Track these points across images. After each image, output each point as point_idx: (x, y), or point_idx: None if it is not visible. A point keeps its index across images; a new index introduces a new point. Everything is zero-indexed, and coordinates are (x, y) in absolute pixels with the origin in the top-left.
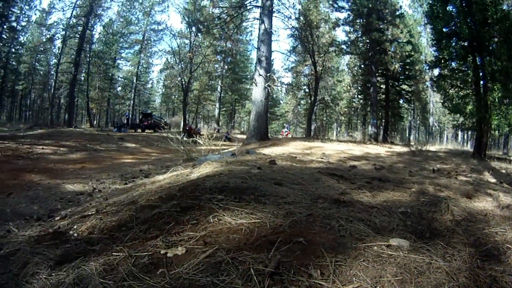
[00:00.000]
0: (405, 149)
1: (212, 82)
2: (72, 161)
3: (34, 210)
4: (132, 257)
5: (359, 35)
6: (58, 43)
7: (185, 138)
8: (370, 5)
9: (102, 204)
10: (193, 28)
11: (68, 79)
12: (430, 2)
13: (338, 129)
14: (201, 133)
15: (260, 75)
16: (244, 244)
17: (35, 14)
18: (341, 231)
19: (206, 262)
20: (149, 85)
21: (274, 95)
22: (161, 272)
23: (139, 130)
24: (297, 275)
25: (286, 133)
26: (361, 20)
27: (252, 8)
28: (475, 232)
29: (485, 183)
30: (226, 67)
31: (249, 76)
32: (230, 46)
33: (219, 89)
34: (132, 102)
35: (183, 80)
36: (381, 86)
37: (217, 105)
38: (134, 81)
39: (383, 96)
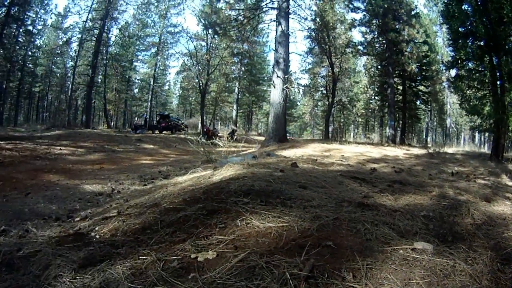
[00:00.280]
0: (422, 151)
1: (229, 84)
2: (90, 162)
3: (53, 210)
4: (160, 261)
5: (375, 36)
6: (74, 46)
7: (203, 140)
8: (386, 5)
9: (123, 206)
10: (210, 31)
11: (85, 81)
12: (446, 1)
13: (355, 130)
14: (218, 134)
15: (278, 77)
16: (275, 248)
17: (51, 18)
18: (367, 234)
19: (240, 267)
20: (166, 87)
21: (291, 97)
22: (193, 276)
23: (157, 132)
24: (331, 278)
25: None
26: (377, 21)
27: (268, 9)
28: (495, 236)
29: (503, 186)
30: (243, 68)
31: (266, 78)
32: (246, 48)
33: (236, 90)
34: (149, 103)
35: (200, 82)
36: (398, 87)
37: (235, 106)
38: (151, 83)
39: (400, 97)
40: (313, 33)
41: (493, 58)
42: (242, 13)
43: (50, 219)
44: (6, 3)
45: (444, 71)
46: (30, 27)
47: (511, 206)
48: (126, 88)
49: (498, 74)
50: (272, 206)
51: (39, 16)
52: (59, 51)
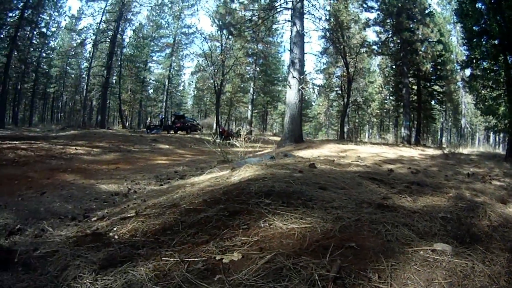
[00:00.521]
0: (437, 152)
1: (244, 84)
2: (105, 162)
3: (69, 210)
4: (184, 263)
5: (390, 35)
6: (88, 47)
7: (218, 140)
8: (400, 4)
9: (141, 206)
10: (224, 31)
11: (100, 82)
12: None
13: (370, 131)
14: (233, 134)
15: (293, 77)
16: (299, 249)
17: (65, 20)
18: (387, 235)
19: (266, 268)
20: (181, 87)
21: (306, 97)
22: (219, 278)
23: (172, 132)
24: (358, 279)
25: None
26: (391, 20)
27: (282, 10)
28: (511, 238)
29: None
30: (258, 69)
31: (281, 78)
32: (261, 48)
33: (251, 91)
34: (164, 104)
35: (215, 82)
36: (413, 87)
37: (250, 107)
38: (166, 83)
39: (415, 97)
40: (327, 33)
41: (508, 57)
42: (256, 14)
43: (66, 218)
44: (19, 6)
45: (458, 70)
46: (44, 29)
47: None
48: (141, 89)
49: None
50: (294, 207)
51: (52, 18)
52: (73, 53)
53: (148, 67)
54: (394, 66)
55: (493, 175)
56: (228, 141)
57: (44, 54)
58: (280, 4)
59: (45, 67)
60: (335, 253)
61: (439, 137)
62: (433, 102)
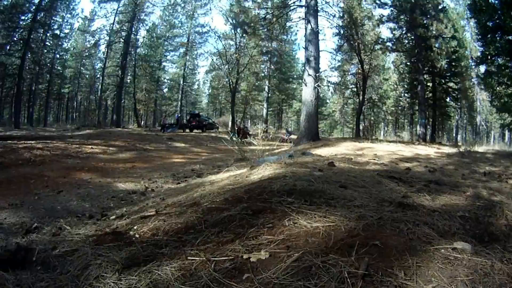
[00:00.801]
0: (453, 150)
1: (259, 82)
2: (122, 161)
3: (86, 208)
4: (211, 262)
5: (404, 32)
6: (102, 48)
7: (234, 138)
8: (413, 0)
9: (160, 205)
10: (238, 30)
11: (114, 82)
12: None
13: (385, 128)
14: (249, 133)
15: (309, 75)
16: (325, 247)
17: (78, 22)
18: (409, 234)
19: (295, 267)
20: (196, 86)
21: (321, 95)
22: (247, 277)
23: (187, 130)
24: (385, 276)
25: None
26: (405, 16)
27: (296, 8)
28: None
29: None
30: (272, 67)
31: (295, 76)
32: (275, 46)
33: (266, 89)
34: (179, 103)
35: (230, 81)
36: (428, 84)
37: (265, 105)
38: (181, 82)
39: (430, 94)
40: (341, 30)
41: None
42: (270, 12)
43: (83, 216)
44: (32, 9)
45: (473, 67)
46: (57, 31)
47: None
48: (155, 88)
49: None
50: (317, 206)
51: (65, 20)
52: (87, 54)
53: (162, 66)
54: (408, 63)
55: (509, 174)
56: (245, 140)
57: (58, 56)
58: (294, 2)
59: (59, 68)
60: (360, 251)
61: (454, 134)
62: (448, 99)
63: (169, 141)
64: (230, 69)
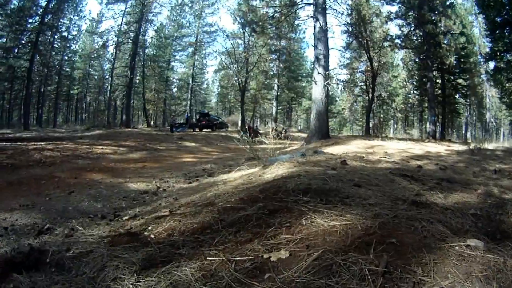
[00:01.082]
0: (463, 147)
1: (269, 81)
2: (132, 161)
3: (98, 209)
4: (231, 262)
5: (412, 28)
6: (111, 49)
7: (244, 137)
8: None
9: (174, 205)
10: (247, 29)
11: (123, 82)
12: None
13: (395, 126)
14: (260, 132)
15: (319, 73)
16: (344, 246)
17: (85, 23)
18: (424, 232)
19: (316, 265)
20: (205, 85)
21: (330, 93)
22: (269, 276)
23: (197, 130)
24: (404, 273)
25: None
26: (413, 12)
27: (304, 6)
28: None
29: None
30: (281, 65)
31: (304, 74)
32: (284, 44)
33: (275, 87)
34: (189, 102)
35: (239, 80)
36: (437, 81)
37: (274, 103)
38: (190, 82)
39: (439, 91)
40: (350, 28)
41: None
42: (279, 10)
43: (96, 217)
44: (39, 12)
45: (482, 63)
46: (65, 33)
47: None
48: (164, 88)
49: None
50: (333, 204)
51: (73, 22)
52: (95, 55)
53: (171, 66)
54: (417, 60)
55: None
56: (257, 139)
57: (66, 57)
58: (302, 0)
59: (67, 69)
60: (377, 249)
61: (463, 132)
62: (457, 96)
63: (179, 141)
64: (239, 68)
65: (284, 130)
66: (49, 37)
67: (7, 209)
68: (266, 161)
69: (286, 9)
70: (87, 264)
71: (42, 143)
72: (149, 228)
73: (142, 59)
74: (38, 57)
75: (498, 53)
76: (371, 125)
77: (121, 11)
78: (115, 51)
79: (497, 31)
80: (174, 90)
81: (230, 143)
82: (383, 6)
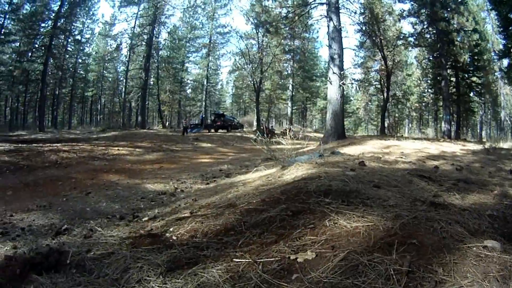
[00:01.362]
0: (478, 146)
1: (283, 81)
2: (149, 162)
3: (116, 209)
4: (258, 263)
5: (426, 26)
6: (124, 51)
7: (259, 138)
8: None
9: (193, 206)
10: (260, 29)
11: (137, 84)
12: None
13: (410, 125)
14: (275, 132)
15: (334, 73)
16: (367, 246)
17: (98, 27)
18: (442, 232)
19: (343, 266)
20: (219, 86)
21: (345, 92)
22: (297, 277)
23: (212, 130)
24: (426, 272)
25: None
26: (426, 10)
27: (317, 5)
28: None
29: None
30: (295, 65)
31: (318, 74)
32: (298, 44)
33: (290, 87)
34: (204, 103)
35: (254, 80)
36: (451, 79)
37: (289, 103)
38: (205, 83)
39: (454, 89)
40: (363, 27)
41: None
42: (292, 10)
43: (114, 218)
44: (52, 16)
45: (496, 60)
46: (78, 37)
47: None
48: (179, 89)
49: None
50: (354, 206)
51: (86, 25)
52: (109, 57)
53: (185, 67)
54: (431, 58)
55: None
56: (274, 139)
57: (80, 60)
58: (315, 0)
59: (81, 72)
60: (399, 249)
61: (478, 130)
62: (471, 94)
63: (195, 142)
64: (254, 68)
65: (289, 128)
66: (62, 40)
67: (24, 210)
68: (284, 161)
69: (299, 9)
70: (109, 266)
71: (58, 145)
72: (171, 229)
73: (156, 60)
74: (52, 60)
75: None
76: (386, 124)
77: (134, 14)
78: (129, 53)
79: (510, 28)
80: (189, 91)
81: (246, 144)
82: (395, 4)
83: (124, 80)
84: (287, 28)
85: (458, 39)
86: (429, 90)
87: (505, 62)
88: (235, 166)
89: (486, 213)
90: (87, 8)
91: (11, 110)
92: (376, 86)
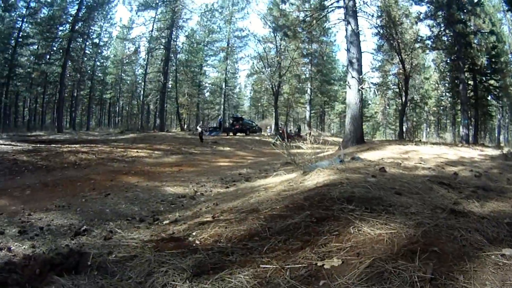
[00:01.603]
0: (496, 152)
1: (301, 84)
2: (168, 164)
3: (135, 211)
4: (285, 269)
5: (443, 29)
6: (142, 54)
7: (278, 142)
8: None
9: (215, 210)
10: (278, 33)
11: (156, 87)
12: None
13: (427, 129)
14: (293, 136)
15: (352, 77)
16: (391, 254)
17: (116, 30)
18: (462, 241)
19: (368, 272)
20: (237, 90)
21: (363, 96)
22: (324, 283)
23: (231, 134)
24: (448, 280)
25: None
26: (442, 12)
27: (334, 9)
28: None
29: None
30: (313, 69)
31: (336, 78)
32: (315, 48)
33: (308, 91)
34: (222, 106)
35: (273, 84)
36: (469, 82)
37: (308, 107)
38: (223, 86)
39: (471, 93)
40: (381, 30)
41: None
42: (309, 14)
43: (134, 220)
44: (69, 20)
45: None
46: (96, 40)
47: None
48: (197, 92)
49: None
50: (377, 213)
51: (104, 29)
52: (127, 60)
53: (203, 71)
54: (449, 61)
55: None
56: (294, 144)
57: (98, 63)
58: (332, 3)
59: (100, 74)
60: (422, 257)
61: (496, 135)
62: (489, 98)
63: (214, 145)
64: (272, 72)
65: (309, 133)
66: (80, 43)
67: (42, 209)
68: (304, 167)
69: (316, 12)
70: (133, 269)
71: (77, 146)
72: (193, 233)
73: (174, 64)
74: (70, 63)
75: None
76: (404, 129)
77: (152, 18)
78: (147, 56)
79: None
80: (207, 94)
81: (264, 148)
82: (412, 6)
83: (143, 83)
84: (304, 32)
85: (475, 41)
86: (447, 94)
87: None
88: (254, 170)
89: (505, 221)
90: (104, 12)
91: (29, 111)
92: (394, 90)
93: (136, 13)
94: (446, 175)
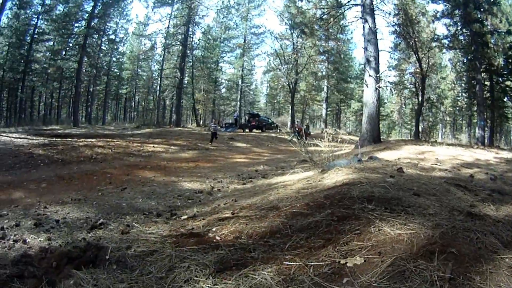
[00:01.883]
0: (511, 155)
1: (317, 82)
2: (184, 160)
3: (152, 206)
4: (308, 267)
5: (459, 28)
6: (159, 50)
7: (294, 139)
8: None
9: (234, 206)
10: (294, 30)
11: (172, 83)
12: None
13: (443, 130)
14: (310, 133)
15: (370, 76)
16: (411, 253)
17: (132, 27)
18: (478, 243)
19: (390, 271)
20: (253, 86)
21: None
22: (347, 281)
23: (247, 130)
24: (465, 280)
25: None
26: (459, 11)
27: (351, 6)
28: None
29: None
30: (330, 67)
31: (353, 76)
32: (332, 46)
33: (325, 89)
34: (238, 103)
35: (289, 81)
36: (485, 82)
37: (324, 105)
38: (239, 83)
39: (488, 94)
40: (397, 28)
41: None
42: (327, 12)
43: (151, 214)
44: (85, 17)
45: None
46: (112, 36)
47: None
48: (213, 88)
49: None
50: (396, 213)
51: (120, 25)
52: (143, 56)
53: (219, 67)
54: (465, 61)
55: None
56: (312, 142)
57: (114, 59)
58: (349, 1)
59: (116, 70)
60: (440, 257)
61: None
62: (505, 99)
63: (230, 141)
64: (289, 69)
65: (326, 131)
66: (96, 39)
67: (58, 202)
68: (322, 165)
69: (333, 10)
70: (153, 264)
71: (93, 140)
72: (213, 229)
73: (191, 60)
74: (86, 59)
75: None
76: (420, 129)
77: (168, 14)
78: (163, 52)
79: None
80: (223, 90)
81: (280, 145)
82: (428, 4)
83: (159, 79)
84: (321, 30)
85: (492, 41)
86: (463, 94)
87: None
88: (271, 167)
89: None
90: (120, 9)
91: (45, 106)
92: (411, 89)
93: (152, 10)
94: (462, 177)
